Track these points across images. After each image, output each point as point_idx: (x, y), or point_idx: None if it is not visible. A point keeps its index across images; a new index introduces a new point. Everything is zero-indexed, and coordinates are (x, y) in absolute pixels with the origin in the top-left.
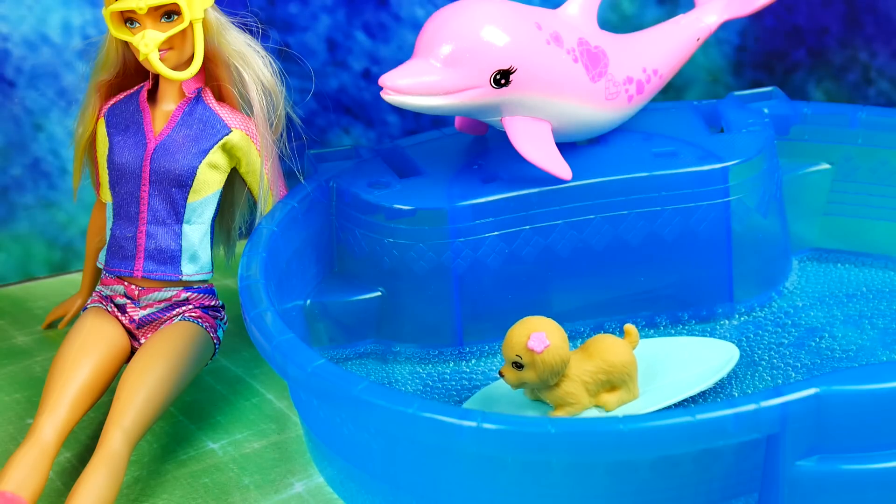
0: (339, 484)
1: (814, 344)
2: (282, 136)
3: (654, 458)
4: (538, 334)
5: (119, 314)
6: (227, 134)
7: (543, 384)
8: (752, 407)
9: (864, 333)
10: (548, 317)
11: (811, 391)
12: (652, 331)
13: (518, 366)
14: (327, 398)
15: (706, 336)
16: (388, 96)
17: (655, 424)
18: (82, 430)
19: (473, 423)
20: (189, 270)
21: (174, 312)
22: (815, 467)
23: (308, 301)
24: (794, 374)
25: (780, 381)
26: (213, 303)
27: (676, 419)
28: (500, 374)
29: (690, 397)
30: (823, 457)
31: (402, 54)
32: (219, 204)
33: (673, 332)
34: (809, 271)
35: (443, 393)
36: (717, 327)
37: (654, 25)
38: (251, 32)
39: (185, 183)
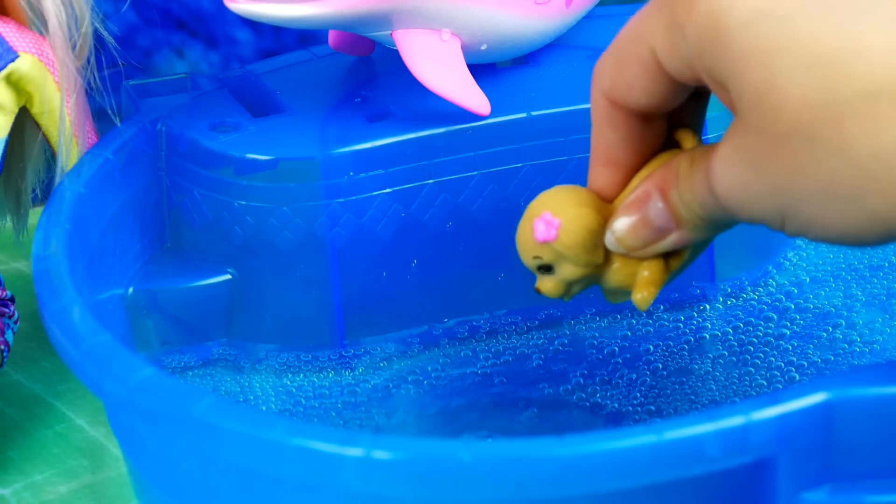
0: None
1: (826, 335)
2: (88, 61)
3: (606, 491)
4: (541, 217)
5: None
6: (13, 60)
7: (590, 272)
8: (738, 420)
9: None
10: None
11: (818, 397)
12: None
13: (546, 268)
14: (158, 421)
15: (680, 329)
16: (234, 4)
17: (607, 447)
18: None
19: (359, 452)
20: None
21: None
22: (827, 501)
23: (131, 289)
24: (798, 378)
25: (779, 388)
26: None
27: (636, 439)
28: (537, 291)
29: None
30: (838, 486)
31: None
32: (2, 158)
33: (634, 322)
34: None
35: (319, 412)
36: (694, 316)
37: None
38: None
39: None
